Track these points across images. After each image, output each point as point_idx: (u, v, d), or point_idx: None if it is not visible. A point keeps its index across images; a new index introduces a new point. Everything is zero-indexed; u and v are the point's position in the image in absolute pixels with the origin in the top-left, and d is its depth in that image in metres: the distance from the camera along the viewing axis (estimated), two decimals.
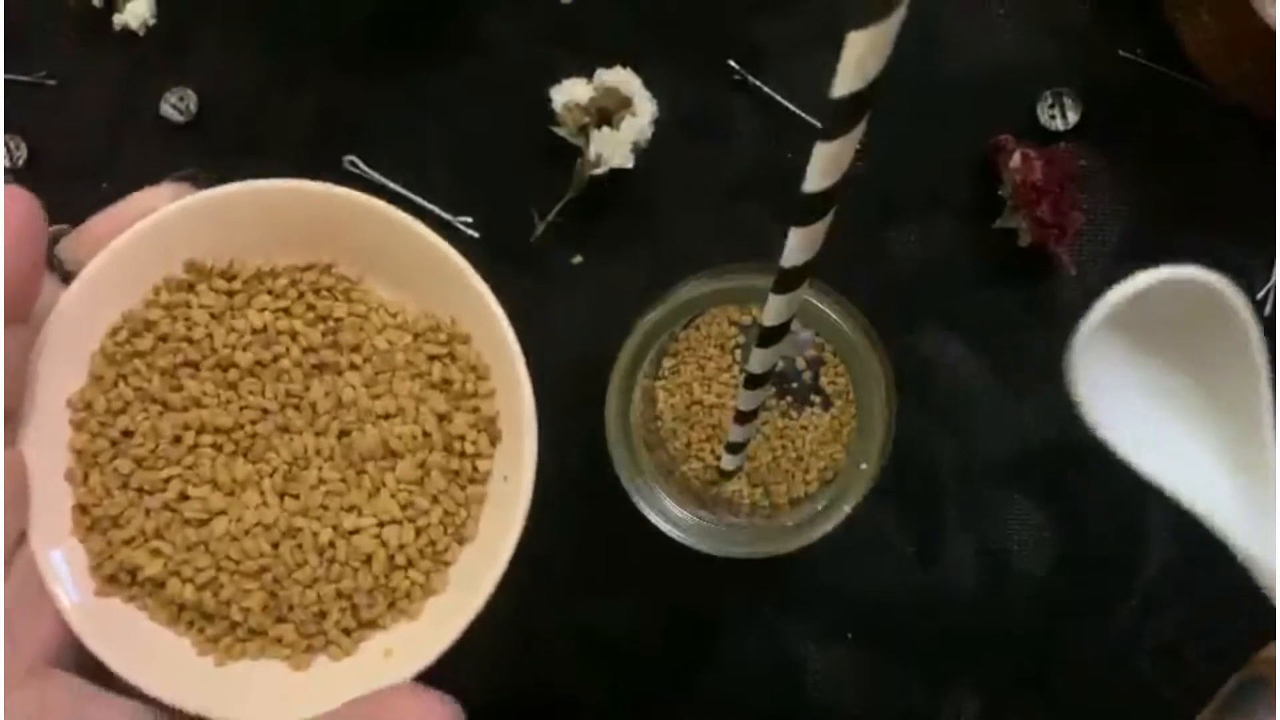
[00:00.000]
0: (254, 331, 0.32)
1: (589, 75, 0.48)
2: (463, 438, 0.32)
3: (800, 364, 0.48)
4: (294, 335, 0.32)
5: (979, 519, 0.47)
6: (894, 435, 0.38)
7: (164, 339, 0.32)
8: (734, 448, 0.44)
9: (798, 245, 0.30)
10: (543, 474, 0.41)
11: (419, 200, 0.50)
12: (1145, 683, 0.47)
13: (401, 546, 0.31)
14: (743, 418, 0.41)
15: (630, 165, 0.47)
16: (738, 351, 0.48)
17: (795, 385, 0.47)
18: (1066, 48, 0.47)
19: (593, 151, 0.47)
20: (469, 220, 0.50)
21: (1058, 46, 0.47)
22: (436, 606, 0.32)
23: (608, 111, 0.48)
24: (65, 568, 0.30)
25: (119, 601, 0.31)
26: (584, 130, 0.48)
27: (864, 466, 0.35)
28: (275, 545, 0.31)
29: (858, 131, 0.26)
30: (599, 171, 0.47)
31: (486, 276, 0.49)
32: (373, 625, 0.32)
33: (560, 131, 0.48)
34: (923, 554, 0.48)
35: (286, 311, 0.32)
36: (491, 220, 0.50)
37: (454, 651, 0.31)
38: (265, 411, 0.32)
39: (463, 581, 0.31)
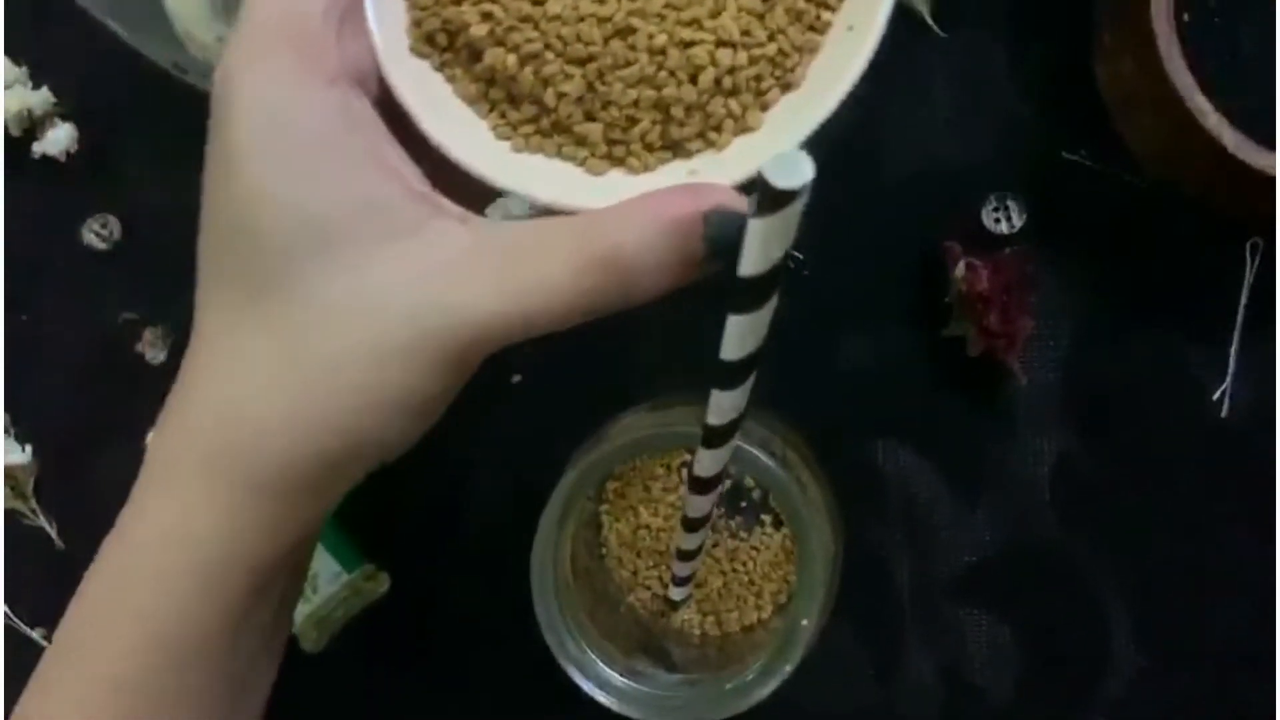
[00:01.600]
0: None
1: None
2: None
3: (749, 482, 0.46)
4: None
5: (939, 635, 0.45)
6: (839, 581, 0.36)
7: None
8: (681, 581, 0.42)
9: (721, 405, 0.29)
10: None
11: None
12: None
13: (730, 70, 0.29)
14: (685, 556, 0.39)
15: None
16: (684, 470, 0.46)
17: (744, 504, 0.46)
18: (1010, 150, 0.46)
19: None
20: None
21: (1001, 149, 0.46)
22: (745, 144, 0.30)
23: None
24: (383, 17, 0.29)
25: (428, 66, 0.30)
26: None
27: (804, 623, 0.33)
28: (606, 40, 0.29)
29: (770, 305, 0.25)
30: None
31: None
32: (678, 148, 0.30)
33: None
34: (882, 674, 0.46)
35: None
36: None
37: None
38: None
39: (777, 125, 0.30)
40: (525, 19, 0.29)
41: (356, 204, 0.26)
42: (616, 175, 0.30)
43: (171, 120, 0.49)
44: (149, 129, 0.50)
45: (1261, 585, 0.44)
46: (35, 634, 0.49)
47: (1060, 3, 0.46)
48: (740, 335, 0.26)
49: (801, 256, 0.47)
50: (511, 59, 0.29)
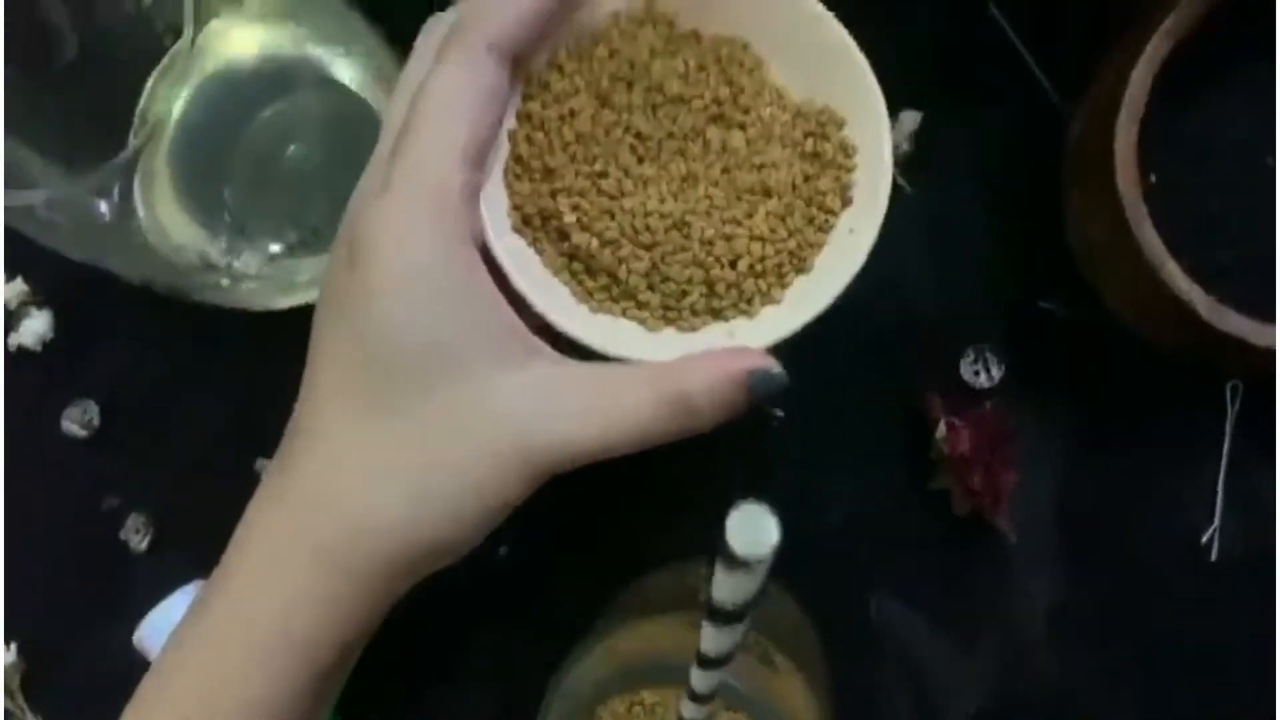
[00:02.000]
0: (680, 74, 0.38)
1: None
2: (824, 194, 0.38)
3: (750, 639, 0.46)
4: (707, 86, 0.38)
5: None
6: None
7: (614, 54, 0.38)
8: None
9: (702, 681, 0.29)
10: None
11: None
12: None
13: (762, 259, 0.38)
14: None
15: None
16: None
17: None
18: (986, 301, 0.46)
19: None
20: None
21: (977, 300, 0.46)
22: (771, 313, 0.38)
23: None
24: (490, 201, 0.36)
25: (521, 242, 0.38)
26: None
27: None
28: (667, 230, 0.37)
29: (743, 625, 0.25)
30: None
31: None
32: (717, 314, 0.38)
33: None
34: None
35: (704, 68, 0.39)
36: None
37: None
38: (671, 134, 0.38)
39: (795, 300, 0.38)
40: (605, 211, 0.37)
41: (480, 339, 0.32)
42: (670, 333, 0.38)
43: (147, 307, 0.49)
44: (125, 315, 0.50)
45: None
46: None
47: (1027, 158, 0.47)
48: (716, 639, 0.26)
49: (781, 413, 0.47)
50: (595, 242, 0.37)
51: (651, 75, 0.38)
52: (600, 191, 0.38)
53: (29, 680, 0.48)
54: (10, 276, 0.49)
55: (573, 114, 0.38)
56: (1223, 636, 0.45)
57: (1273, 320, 0.39)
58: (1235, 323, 0.39)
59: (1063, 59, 0.46)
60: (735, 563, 0.21)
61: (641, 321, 0.38)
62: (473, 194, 0.34)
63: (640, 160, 0.38)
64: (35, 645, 0.49)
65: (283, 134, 0.44)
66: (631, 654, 0.38)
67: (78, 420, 0.49)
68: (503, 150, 0.38)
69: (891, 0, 0.47)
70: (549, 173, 0.38)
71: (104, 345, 0.50)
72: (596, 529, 0.48)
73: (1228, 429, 0.45)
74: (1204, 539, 0.45)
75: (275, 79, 0.42)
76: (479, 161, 0.34)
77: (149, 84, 0.38)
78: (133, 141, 0.38)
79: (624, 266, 0.37)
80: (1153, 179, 0.41)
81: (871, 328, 0.46)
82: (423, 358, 0.32)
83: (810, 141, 0.39)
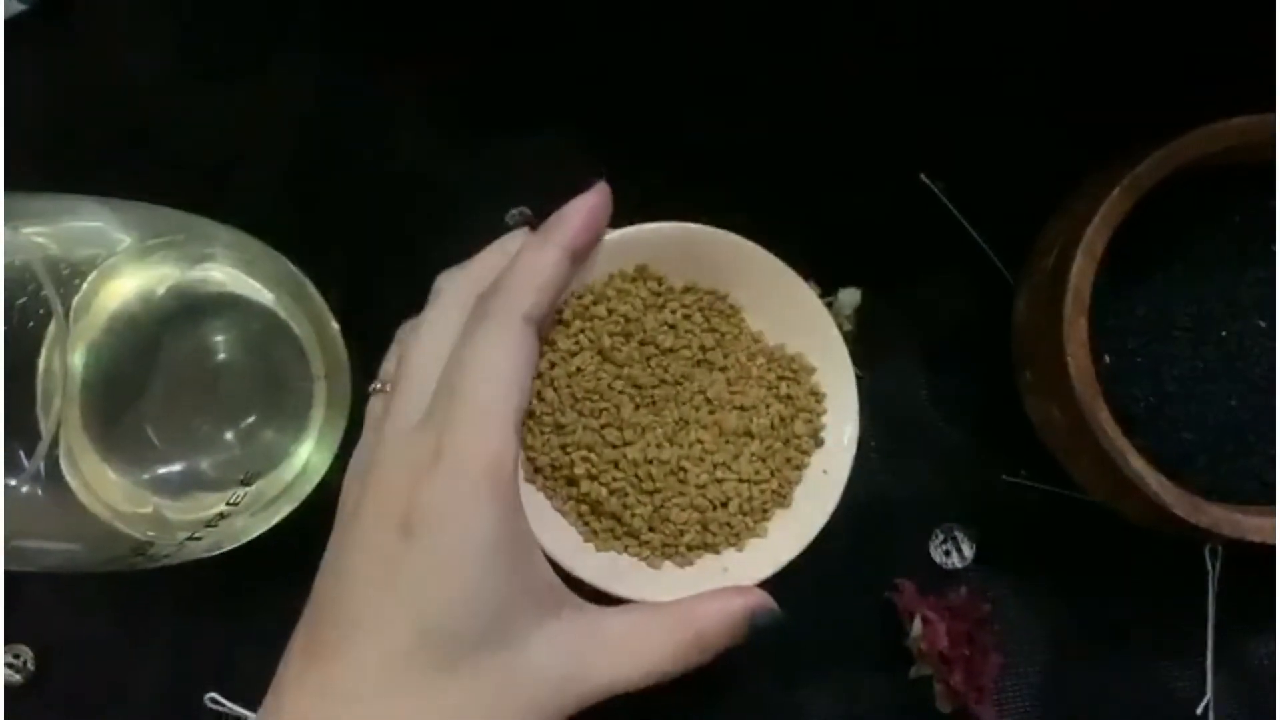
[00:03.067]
0: (669, 325, 0.43)
1: None
2: (799, 436, 0.43)
3: None
4: (694, 335, 0.43)
5: None
6: None
7: (611, 311, 0.42)
8: None
9: None
10: None
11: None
12: None
13: (749, 499, 0.42)
14: None
15: None
16: None
17: None
18: (949, 480, 0.45)
19: None
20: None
21: (940, 480, 0.45)
22: (757, 544, 0.42)
23: None
24: None
25: (534, 488, 0.42)
26: None
27: None
28: (666, 476, 0.42)
29: None
30: None
31: None
32: (711, 549, 0.42)
33: None
34: None
35: (689, 318, 0.43)
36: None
37: None
38: (663, 382, 0.43)
39: (778, 531, 0.42)
40: (612, 461, 0.42)
41: (529, 601, 0.35)
42: (668, 566, 0.42)
43: None
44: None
45: None
46: None
47: (978, 327, 0.45)
48: None
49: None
50: (604, 491, 0.42)
51: (645, 329, 0.43)
52: (606, 443, 0.42)
53: None
54: None
55: (579, 371, 0.42)
56: None
57: (1246, 504, 0.38)
58: (1211, 515, 0.37)
59: (1003, 225, 0.45)
60: None
61: (642, 558, 0.42)
62: (518, 459, 0.36)
63: (638, 408, 0.42)
64: None
65: (195, 359, 0.42)
66: None
67: (11, 664, 0.47)
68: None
69: (823, 172, 0.46)
70: (560, 428, 0.42)
71: (37, 591, 0.47)
72: None
73: (1210, 592, 0.43)
74: (1199, 710, 0.43)
75: (171, 309, 0.41)
76: (520, 427, 0.36)
77: (40, 359, 0.36)
78: (43, 424, 0.36)
79: (629, 512, 0.42)
80: (1106, 359, 0.40)
81: (837, 515, 0.44)
82: (480, 628, 0.33)
83: (783, 385, 0.43)
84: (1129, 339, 0.40)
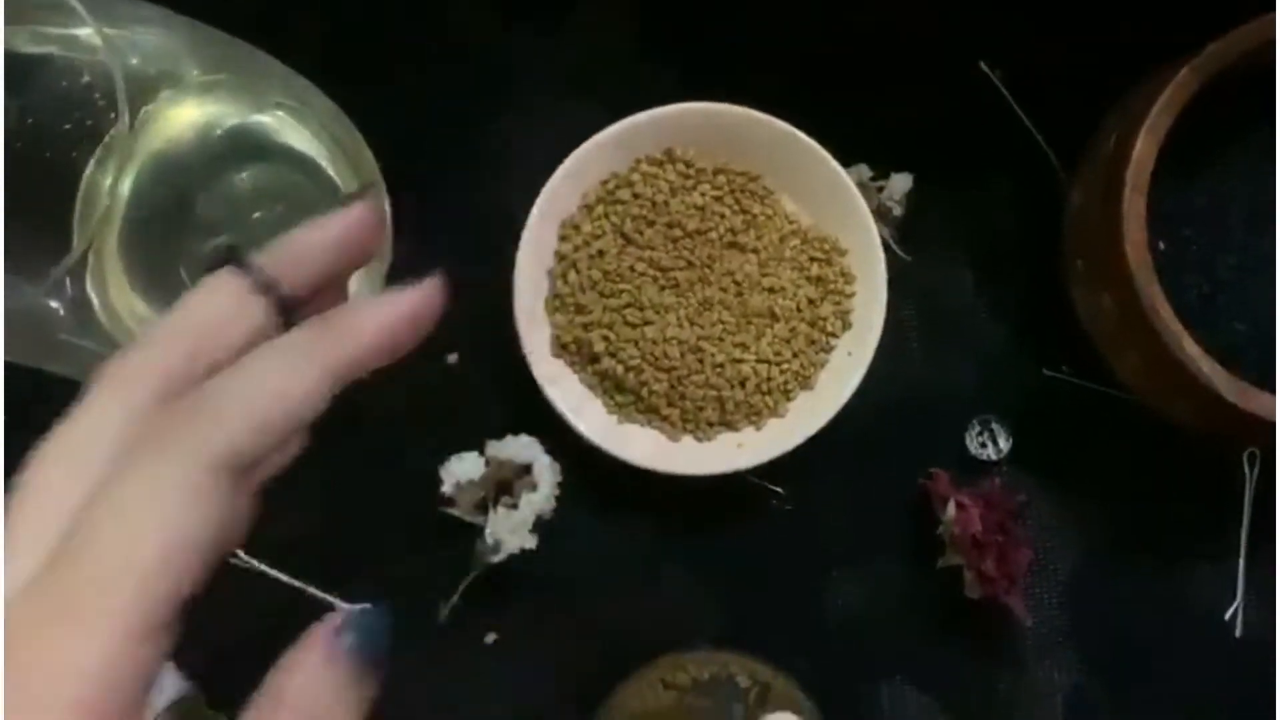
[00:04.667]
0: (697, 208, 0.43)
1: (482, 444, 0.44)
2: (825, 319, 0.43)
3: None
4: (723, 217, 0.43)
5: None
6: None
7: (637, 196, 0.43)
8: None
9: None
10: None
11: (310, 589, 0.46)
12: None
13: (768, 379, 0.43)
14: None
15: (532, 546, 0.42)
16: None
17: None
18: (989, 372, 0.44)
19: (490, 537, 0.43)
20: (366, 607, 0.45)
21: (980, 372, 0.44)
22: (776, 425, 0.43)
23: (506, 481, 0.44)
24: (532, 333, 0.43)
25: (562, 363, 0.44)
26: (480, 506, 0.43)
27: None
28: (683, 355, 0.43)
29: None
30: (499, 558, 0.43)
31: (392, 669, 0.45)
32: (729, 426, 0.43)
33: (453, 512, 0.44)
34: None
35: (720, 200, 0.43)
36: (390, 604, 0.45)
37: None
38: (690, 264, 0.43)
39: (799, 414, 0.43)
40: (629, 340, 0.43)
41: None
42: (688, 440, 0.44)
43: None
44: None
45: None
46: None
47: (1028, 221, 0.45)
48: None
49: (782, 491, 0.45)
50: (620, 368, 0.43)
51: (671, 212, 0.43)
52: (626, 322, 0.43)
53: None
54: None
55: (601, 254, 0.43)
56: (1250, 716, 0.42)
57: None
58: (1260, 401, 0.37)
59: (1058, 120, 0.45)
60: None
61: (664, 431, 0.44)
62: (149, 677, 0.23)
63: (662, 289, 0.43)
64: None
65: (236, 206, 0.41)
66: None
67: None
68: (543, 286, 0.44)
69: (884, 63, 0.45)
70: (581, 308, 0.43)
71: None
72: (590, 621, 0.45)
73: (1247, 498, 0.43)
74: (1227, 615, 0.43)
75: (223, 151, 0.40)
76: (171, 626, 0.23)
77: (86, 172, 0.36)
78: (77, 237, 0.35)
79: (645, 388, 0.43)
80: (1161, 246, 0.39)
81: (873, 405, 0.44)
82: None
83: (815, 266, 0.43)
84: (1184, 227, 0.39)
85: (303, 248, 0.26)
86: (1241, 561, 0.43)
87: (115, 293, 0.38)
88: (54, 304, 0.34)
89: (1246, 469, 0.43)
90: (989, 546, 0.41)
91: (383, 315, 0.25)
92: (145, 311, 0.39)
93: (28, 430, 0.24)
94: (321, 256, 0.26)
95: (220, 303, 0.25)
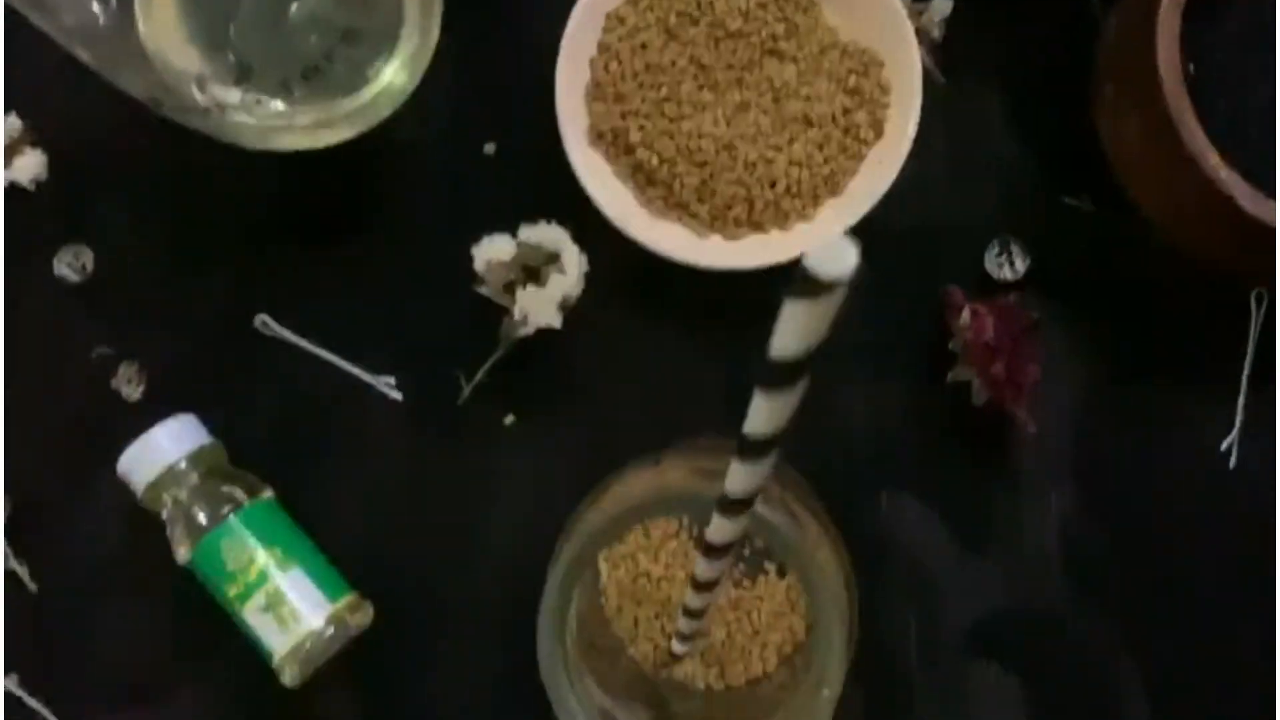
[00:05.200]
0: (740, 11, 0.44)
1: (514, 230, 0.45)
2: (858, 126, 0.44)
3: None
4: (765, 23, 0.44)
5: (950, 697, 0.44)
6: (856, 640, 0.35)
7: None
8: (685, 638, 0.40)
9: (740, 476, 0.28)
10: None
11: (335, 359, 0.47)
12: None
13: (798, 181, 0.44)
14: (692, 614, 0.38)
15: (558, 325, 0.44)
16: (684, 518, 0.45)
17: (747, 553, 0.45)
18: (1011, 197, 0.46)
19: (518, 311, 0.44)
20: (391, 381, 0.47)
21: (1003, 196, 0.46)
22: (803, 228, 0.45)
23: (534, 268, 0.45)
24: (570, 122, 0.44)
25: (598, 154, 0.45)
26: (509, 288, 0.45)
27: (826, 693, 0.32)
28: (716, 152, 0.43)
29: (799, 389, 0.25)
30: (525, 332, 0.44)
31: (411, 443, 0.47)
32: (757, 227, 0.44)
33: (483, 291, 0.45)
34: None
35: (764, 7, 0.44)
36: (415, 383, 0.47)
37: None
38: (730, 65, 0.44)
39: (827, 218, 0.44)
40: (665, 132, 0.44)
41: None
42: (716, 239, 0.45)
43: (146, 152, 0.48)
44: (123, 160, 0.48)
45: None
46: (8, 681, 0.46)
47: (1060, 52, 0.46)
48: (767, 413, 0.25)
49: None
50: (654, 159, 0.44)
51: (715, 11, 0.44)
52: (663, 115, 0.44)
53: (15, 526, 0.47)
54: (5, 111, 0.47)
55: (644, 47, 0.44)
56: (1240, 545, 0.44)
57: None
58: (1273, 212, 0.38)
59: None
60: (813, 287, 0.20)
61: (692, 229, 0.45)
62: None
63: (701, 88, 0.44)
64: (23, 491, 0.47)
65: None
66: (638, 494, 0.37)
67: (70, 264, 0.48)
68: (584, 75, 0.44)
69: None
70: (620, 97, 0.44)
71: (101, 191, 0.48)
72: (603, 410, 0.47)
73: (1252, 335, 0.44)
74: (1224, 446, 0.44)
75: None
76: None
77: None
78: None
79: (678, 181, 0.44)
80: (1192, 69, 0.40)
81: (896, 224, 0.45)
82: None
83: (852, 78, 0.44)
84: (1217, 52, 0.40)
85: None
86: (1241, 396, 0.44)
87: (161, 24, 0.39)
88: (95, 6, 0.35)
89: (1253, 306, 0.44)
90: (1000, 351, 0.42)
91: None
92: (186, 49, 0.40)
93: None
94: None
95: None
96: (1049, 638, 0.44)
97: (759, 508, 0.33)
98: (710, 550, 0.32)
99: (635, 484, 0.37)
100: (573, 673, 0.35)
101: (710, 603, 0.36)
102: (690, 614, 0.37)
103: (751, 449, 0.26)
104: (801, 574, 0.35)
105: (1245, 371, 0.44)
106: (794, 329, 0.22)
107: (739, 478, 0.28)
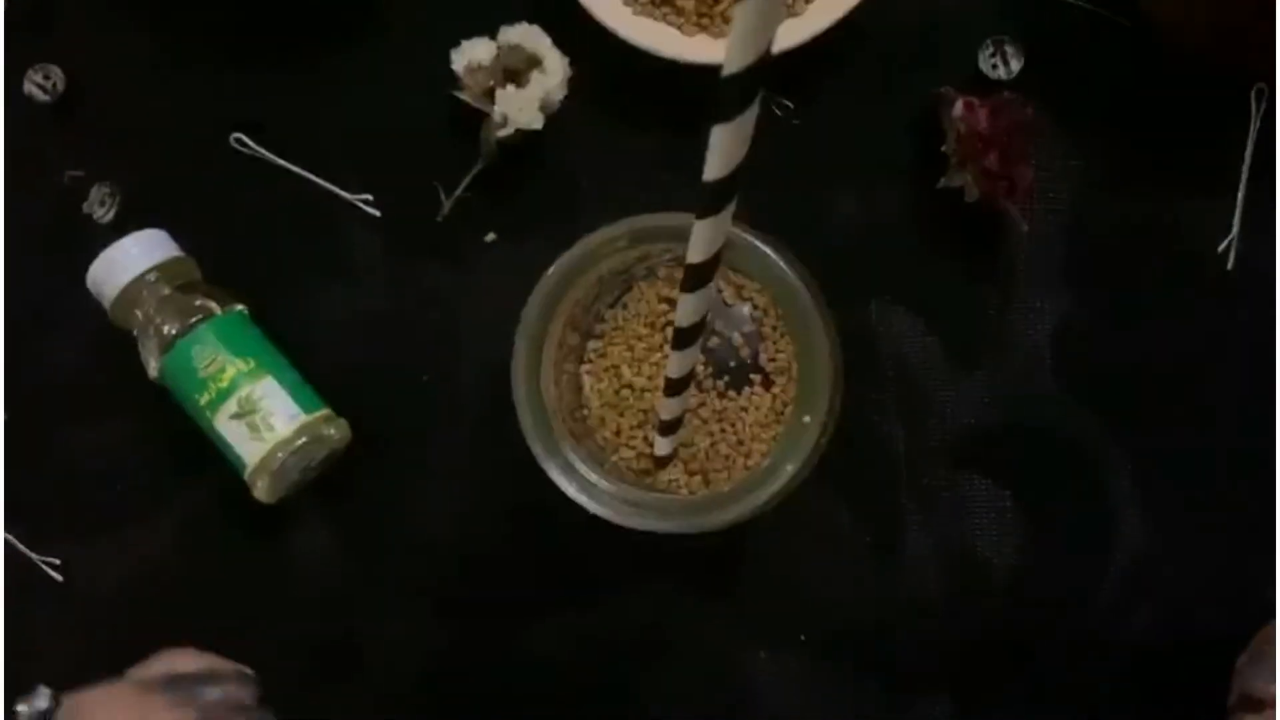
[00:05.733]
0: None
1: (494, 35, 0.44)
2: None
3: (737, 339, 0.43)
4: None
5: (937, 505, 0.43)
6: (841, 400, 0.34)
7: None
8: (667, 427, 0.39)
9: (704, 236, 0.27)
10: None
11: (312, 177, 0.46)
12: (1124, 674, 0.43)
13: None
14: (674, 386, 0.37)
15: (539, 126, 0.43)
16: (669, 330, 0.43)
17: (733, 364, 0.43)
18: None
19: (498, 112, 0.43)
20: (368, 198, 0.46)
21: None
22: (792, 23, 0.42)
23: (515, 72, 0.44)
24: None
25: None
26: (489, 94, 0.44)
27: (807, 419, 0.31)
28: None
29: (752, 112, 0.24)
30: (506, 133, 0.43)
31: (390, 262, 0.46)
32: None
33: (463, 96, 0.44)
34: (879, 548, 0.44)
35: None
36: (394, 199, 0.46)
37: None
38: None
39: (816, 12, 0.43)
40: None
41: None
42: (703, 38, 0.44)
43: None
44: None
45: (1266, 449, 0.43)
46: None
47: None
48: (723, 148, 0.25)
49: (791, 105, 0.45)
50: None
51: None
52: None
53: None
54: None
55: None
56: (1235, 347, 0.43)
57: None
58: None
59: None
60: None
61: (678, 26, 0.44)
62: None
63: None
64: None
65: None
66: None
67: (40, 84, 0.47)
68: None
69: None
70: None
71: (72, 6, 0.47)
72: (586, 224, 0.46)
73: (1251, 134, 0.43)
74: (1220, 248, 0.43)
75: None
76: None
77: None
78: None
79: None
80: None
81: (883, 18, 0.44)
82: None
83: None
84: None
85: None
86: (1241, 195, 0.43)
87: None
88: None
89: (1253, 104, 0.43)
90: (994, 143, 0.41)
91: None
92: None
93: None
94: None
95: None
96: (1038, 443, 0.43)
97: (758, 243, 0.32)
98: (678, 338, 0.32)
99: (605, 231, 0.36)
100: (551, 416, 0.33)
101: (682, 406, 0.35)
102: (665, 429, 0.36)
103: (711, 198, 0.26)
104: (788, 304, 0.34)
105: (1244, 172, 0.43)
106: (743, 34, 0.22)
107: (700, 239, 0.28)
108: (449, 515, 0.44)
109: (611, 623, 0.44)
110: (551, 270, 0.34)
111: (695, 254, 0.30)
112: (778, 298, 0.36)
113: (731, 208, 0.28)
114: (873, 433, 0.44)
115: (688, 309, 0.32)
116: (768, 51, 0.23)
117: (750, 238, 0.33)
